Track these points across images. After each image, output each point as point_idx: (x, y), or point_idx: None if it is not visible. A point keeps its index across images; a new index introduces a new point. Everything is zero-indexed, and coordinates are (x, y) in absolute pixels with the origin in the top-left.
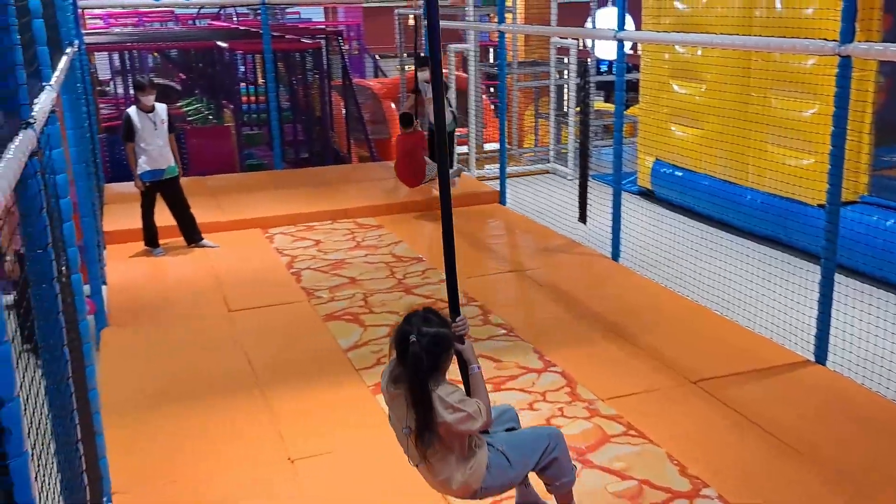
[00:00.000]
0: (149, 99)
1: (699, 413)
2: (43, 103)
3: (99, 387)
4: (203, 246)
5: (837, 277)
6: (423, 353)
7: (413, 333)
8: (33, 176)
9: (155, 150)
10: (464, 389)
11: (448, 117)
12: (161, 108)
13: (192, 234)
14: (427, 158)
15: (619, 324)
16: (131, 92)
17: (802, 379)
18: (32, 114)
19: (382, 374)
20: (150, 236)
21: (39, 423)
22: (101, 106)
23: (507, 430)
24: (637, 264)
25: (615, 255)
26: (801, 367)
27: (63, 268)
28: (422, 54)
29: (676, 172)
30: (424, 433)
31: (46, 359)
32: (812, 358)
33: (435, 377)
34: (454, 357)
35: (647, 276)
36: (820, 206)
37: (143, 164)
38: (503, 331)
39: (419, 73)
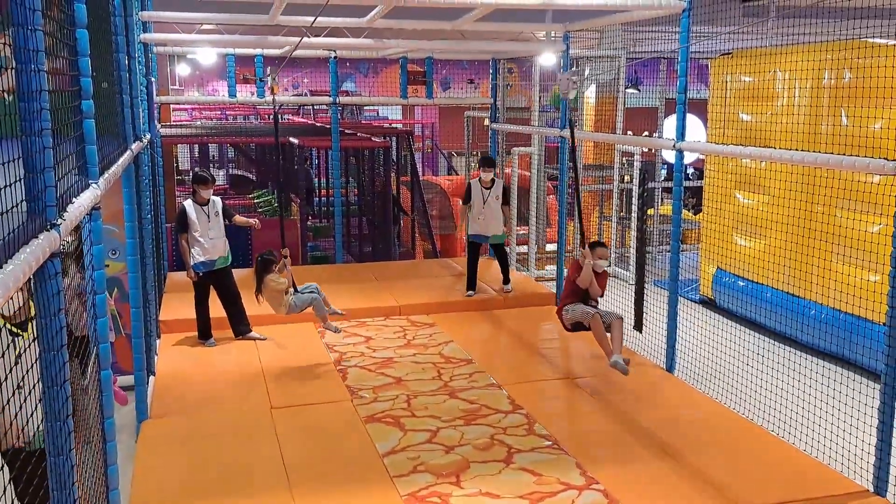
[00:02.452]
0: (208, 193)
1: None
2: (82, 201)
3: (131, 479)
4: (251, 338)
5: None
6: (261, 264)
7: (260, 257)
8: (53, 277)
9: (208, 241)
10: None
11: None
12: (216, 200)
13: (239, 326)
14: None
15: (668, 441)
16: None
17: None
18: (64, 214)
19: None
20: (204, 329)
21: None
22: (178, 194)
23: (309, 291)
24: (692, 377)
25: (669, 366)
26: (860, 498)
27: (87, 366)
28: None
29: (738, 282)
30: (258, 292)
31: (52, 463)
32: (871, 488)
33: (266, 271)
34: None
35: (701, 389)
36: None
37: (197, 255)
38: (547, 443)
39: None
